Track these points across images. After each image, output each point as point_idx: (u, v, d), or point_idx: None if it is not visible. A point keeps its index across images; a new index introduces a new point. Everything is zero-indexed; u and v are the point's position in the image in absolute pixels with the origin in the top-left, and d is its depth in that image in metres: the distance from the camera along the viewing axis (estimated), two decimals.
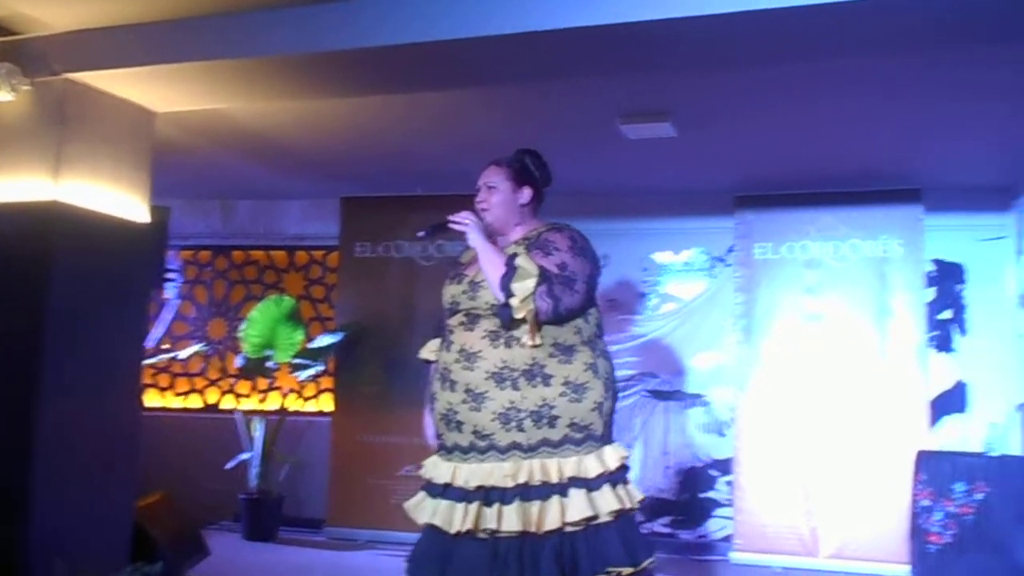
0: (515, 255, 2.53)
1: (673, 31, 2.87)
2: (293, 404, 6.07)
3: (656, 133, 4.28)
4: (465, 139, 4.67)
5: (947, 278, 5.35)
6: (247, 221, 6.45)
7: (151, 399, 6.36)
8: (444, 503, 2.54)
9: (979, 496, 4.38)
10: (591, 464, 2.50)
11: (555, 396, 2.50)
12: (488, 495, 2.50)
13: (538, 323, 2.49)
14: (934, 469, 4.50)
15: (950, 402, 5.23)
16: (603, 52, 3.13)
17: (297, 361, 5.60)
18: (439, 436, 2.66)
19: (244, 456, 5.54)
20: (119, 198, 3.70)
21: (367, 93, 3.80)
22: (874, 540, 4.89)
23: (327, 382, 5.97)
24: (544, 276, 2.48)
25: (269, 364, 5.62)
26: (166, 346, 6.23)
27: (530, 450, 2.50)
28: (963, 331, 5.31)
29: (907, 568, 4.70)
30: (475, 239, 2.60)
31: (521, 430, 2.50)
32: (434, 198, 5.66)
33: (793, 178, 5.19)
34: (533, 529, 2.44)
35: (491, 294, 2.53)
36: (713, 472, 5.57)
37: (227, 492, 5.58)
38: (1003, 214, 5.23)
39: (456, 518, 2.49)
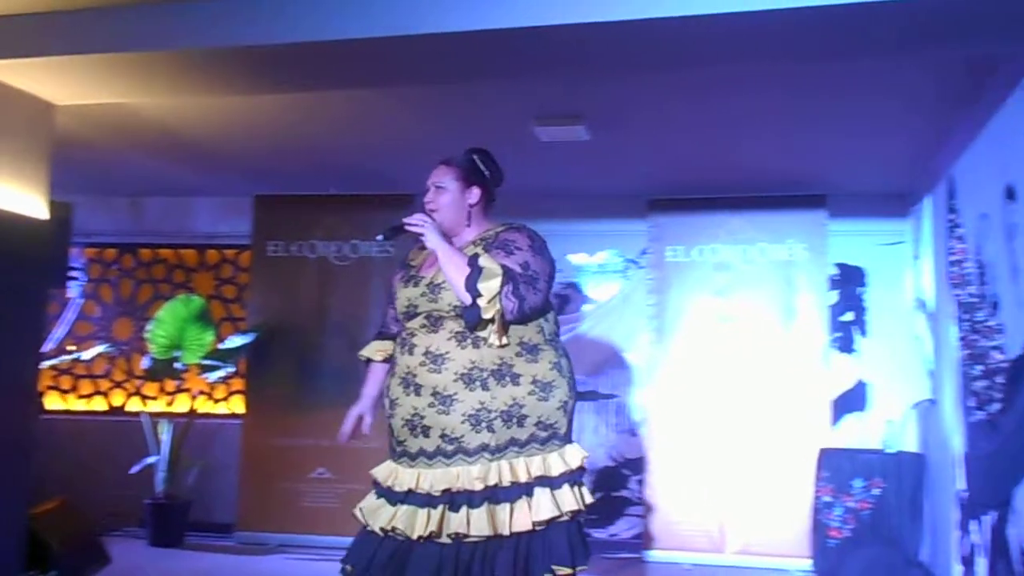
0: (477, 255, 2.51)
1: (585, 35, 2.90)
2: (203, 406, 5.93)
3: (569, 136, 4.32)
4: (379, 138, 4.64)
5: (849, 281, 5.54)
6: (156, 219, 6.28)
7: (53, 402, 6.14)
8: (405, 508, 2.50)
9: (876, 491, 4.55)
10: (554, 462, 2.51)
11: (524, 395, 2.51)
12: (453, 499, 2.47)
13: (505, 323, 2.48)
14: (835, 466, 4.65)
15: (851, 401, 5.41)
16: (516, 55, 3.14)
17: (207, 362, 5.48)
18: (400, 442, 2.59)
19: (150, 460, 5.40)
20: (15, 193, 3.56)
21: (276, 91, 3.73)
22: (779, 536, 5.04)
23: (238, 384, 5.86)
24: (509, 275, 2.47)
25: (177, 365, 5.48)
26: (69, 347, 6.02)
27: (498, 451, 2.49)
28: (864, 332, 5.50)
29: (809, 562, 4.85)
30: (433, 240, 2.57)
31: (491, 431, 2.48)
32: (348, 197, 5.63)
33: (704, 183, 5.30)
34: (504, 532, 2.43)
35: (453, 295, 2.51)
36: (625, 471, 5.65)
37: (133, 497, 5.42)
38: (902, 220, 5.44)
39: (419, 523, 2.46)
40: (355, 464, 5.38)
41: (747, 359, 5.26)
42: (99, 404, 6.18)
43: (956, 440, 3.95)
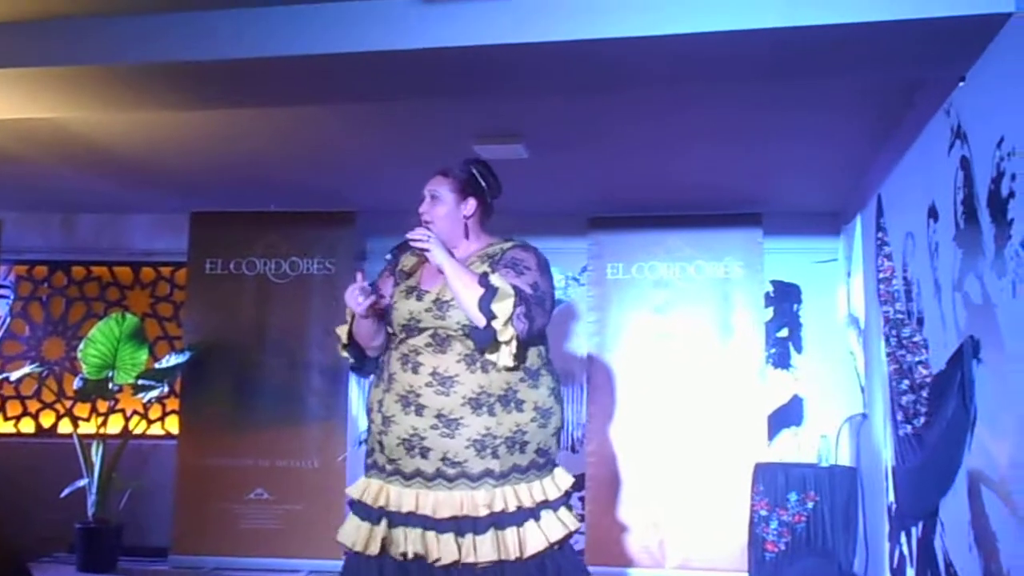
0: (486, 274, 2.46)
1: (523, 56, 2.92)
2: (137, 427, 5.80)
3: (508, 154, 4.34)
4: (319, 155, 4.61)
5: (785, 298, 5.65)
6: (90, 235, 6.15)
7: None
8: (414, 532, 2.46)
9: (810, 505, 4.63)
10: (550, 487, 2.53)
11: (527, 422, 2.50)
12: (459, 525, 2.44)
13: (521, 345, 2.44)
14: (770, 480, 4.72)
15: (787, 416, 5.51)
16: (456, 74, 3.15)
17: (141, 382, 5.36)
18: (393, 460, 2.53)
19: (81, 483, 5.25)
20: None
21: (212, 107, 3.68)
22: (717, 550, 5.10)
23: (174, 403, 5.74)
24: (521, 296, 2.41)
25: (111, 386, 5.36)
26: None
27: (502, 477, 2.47)
28: (799, 348, 5.61)
29: None
30: (440, 256, 2.50)
31: (496, 457, 2.46)
32: (288, 215, 5.59)
33: (643, 201, 5.38)
34: (513, 556, 2.43)
35: (462, 314, 2.46)
36: None
37: (63, 522, 5.27)
38: (834, 238, 5.57)
39: (431, 548, 2.44)
40: (294, 484, 5.33)
41: (685, 375, 5.33)
42: (28, 426, 6.00)
43: (886, 453, 4.05)
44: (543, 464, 2.54)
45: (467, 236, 2.67)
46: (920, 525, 3.35)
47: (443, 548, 2.43)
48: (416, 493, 2.48)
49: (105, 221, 6.12)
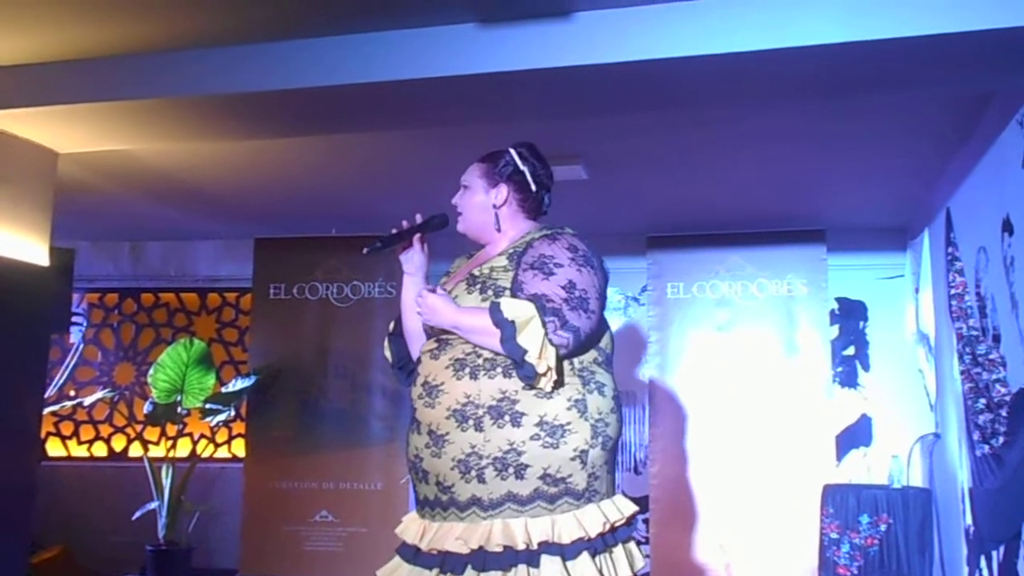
0: (496, 303, 2.06)
1: (581, 77, 2.93)
2: (205, 450, 5.90)
3: (568, 175, 4.34)
4: (379, 180, 4.68)
5: (850, 316, 5.54)
6: (157, 263, 6.31)
7: (54, 448, 6.11)
8: (408, 569, 2.15)
9: (883, 527, 4.51)
10: (566, 526, 2.02)
11: (525, 439, 2.04)
12: (444, 562, 2.06)
13: (560, 363, 2.06)
14: (840, 502, 4.62)
15: (856, 436, 5.39)
16: (514, 97, 3.17)
17: (208, 406, 5.46)
18: (414, 487, 2.26)
19: (152, 505, 5.36)
20: (17, 241, 3.58)
21: (282, 135, 3.76)
22: (786, 573, 4.98)
23: (240, 427, 5.84)
24: (547, 310, 2.03)
25: (179, 410, 5.47)
26: (71, 392, 6.01)
27: (491, 507, 2.04)
28: (866, 367, 5.49)
29: None
30: (440, 311, 2.14)
31: (481, 481, 2.05)
32: (348, 239, 5.64)
33: (703, 219, 5.33)
34: None
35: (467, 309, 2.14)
36: None
37: (134, 544, 5.38)
38: (900, 254, 5.46)
39: None
40: (357, 507, 5.36)
41: (749, 395, 5.25)
42: (100, 450, 6.15)
43: (962, 474, 3.93)
44: (556, 495, 2.04)
45: (499, 229, 2.30)
46: (1002, 549, 3.24)
47: None
48: (424, 525, 2.16)
49: (172, 248, 6.28)
